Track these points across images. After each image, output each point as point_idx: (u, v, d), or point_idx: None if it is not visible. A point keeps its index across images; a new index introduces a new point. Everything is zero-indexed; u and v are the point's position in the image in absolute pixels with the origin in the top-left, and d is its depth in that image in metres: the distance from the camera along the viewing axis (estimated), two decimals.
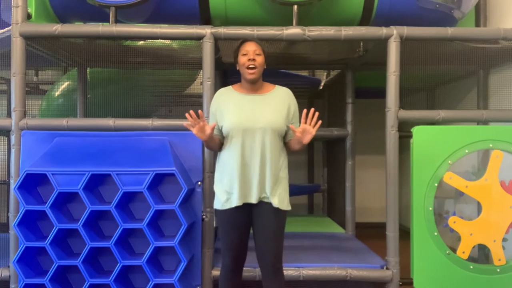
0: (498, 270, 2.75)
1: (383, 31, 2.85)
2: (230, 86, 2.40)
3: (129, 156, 2.67)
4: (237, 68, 2.34)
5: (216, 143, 2.32)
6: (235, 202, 2.24)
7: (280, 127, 2.27)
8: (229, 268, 2.35)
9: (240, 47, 2.31)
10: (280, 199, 2.25)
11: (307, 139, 2.16)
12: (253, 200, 2.23)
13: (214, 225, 2.93)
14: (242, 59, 2.27)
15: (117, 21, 2.90)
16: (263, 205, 2.24)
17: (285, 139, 2.35)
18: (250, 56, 2.25)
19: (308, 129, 2.14)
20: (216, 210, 2.33)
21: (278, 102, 2.31)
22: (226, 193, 2.27)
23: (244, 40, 2.33)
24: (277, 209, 2.24)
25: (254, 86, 2.32)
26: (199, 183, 2.80)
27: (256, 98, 2.32)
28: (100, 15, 3.02)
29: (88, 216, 2.52)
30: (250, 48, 2.27)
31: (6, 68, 3.09)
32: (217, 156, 2.39)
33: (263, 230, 2.26)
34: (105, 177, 2.65)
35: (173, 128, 2.83)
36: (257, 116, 2.25)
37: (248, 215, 2.28)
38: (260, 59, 2.27)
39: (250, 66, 2.24)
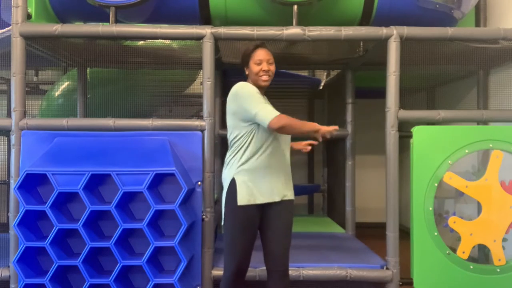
0: (498, 270, 2.75)
1: (383, 31, 2.85)
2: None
3: (129, 156, 2.67)
4: (247, 73, 2.37)
5: None
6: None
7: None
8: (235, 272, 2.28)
9: (253, 54, 2.31)
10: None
11: None
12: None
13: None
14: (256, 68, 2.30)
15: (117, 21, 2.90)
16: None
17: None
18: (265, 67, 2.29)
19: None
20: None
21: None
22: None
23: (257, 46, 2.34)
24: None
25: (262, 91, 2.36)
26: (199, 183, 2.80)
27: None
28: (100, 15, 3.02)
29: (88, 216, 2.52)
30: (264, 57, 2.30)
31: (6, 68, 3.09)
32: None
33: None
34: (105, 177, 2.64)
35: (173, 128, 2.83)
36: None
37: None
38: (273, 68, 2.33)
39: (265, 75, 2.29)
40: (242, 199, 2.21)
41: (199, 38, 2.84)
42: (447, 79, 4.26)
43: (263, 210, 2.26)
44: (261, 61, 2.28)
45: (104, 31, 2.81)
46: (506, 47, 2.99)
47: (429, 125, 2.85)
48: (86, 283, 2.53)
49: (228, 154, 2.33)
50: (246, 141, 2.25)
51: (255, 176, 2.23)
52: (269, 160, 2.25)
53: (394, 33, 2.84)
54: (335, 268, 2.84)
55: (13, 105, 2.83)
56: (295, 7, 2.87)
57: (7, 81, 4.44)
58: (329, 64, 4.06)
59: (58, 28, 2.80)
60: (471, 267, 2.75)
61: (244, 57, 2.36)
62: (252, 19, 3.10)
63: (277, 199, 2.25)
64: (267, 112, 2.15)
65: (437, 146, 2.76)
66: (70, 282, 2.69)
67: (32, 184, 2.62)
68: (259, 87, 2.32)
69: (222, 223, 2.31)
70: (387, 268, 2.88)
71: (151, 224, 2.58)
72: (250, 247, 2.28)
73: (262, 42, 2.42)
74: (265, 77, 2.29)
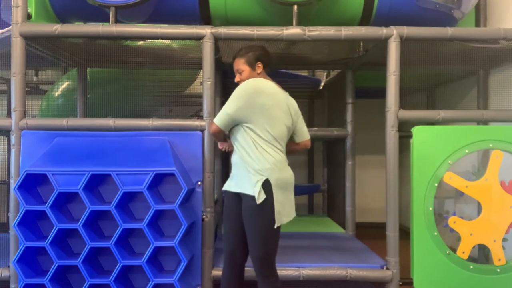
0: (498, 270, 2.76)
1: (383, 31, 2.85)
2: None
3: (129, 156, 2.67)
4: None
5: None
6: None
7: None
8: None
9: None
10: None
11: None
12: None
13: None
14: None
15: (117, 21, 2.90)
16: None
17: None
18: (236, 80, 2.35)
19: None
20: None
21: None
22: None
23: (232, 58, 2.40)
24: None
25: None
26: (199, 183, 2.80)
27: None
28: (100, 15, 3.02)
29: (88, 216, 2.52)
30: (234, 68, 2.36)
31: (6, 68, 3.09)
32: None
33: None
34: (105, 177, 2.65)
35: (173, 128, 2.82)
36: None
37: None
38: (244, 75, 2.33)
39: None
40: None
41: (199, 38, 2.84)
42: (447, 79, 4.26)
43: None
44: (236, 73, 2.37)
45: (104, 31, 2.81)
46: (506, 47, 2.99)
47: (429, 125, 2.85)
48: (86, 283, 2.53)
49: None
50: None
51: None
52: None
53: (394, 33, 2.84)
54: (335, 268, 2.84)
55: (13, 105, 2.83)
56: (295, 7, 2.87)
57: (7, 81, 4.44)
58: (329, 64, 4.05)
59: (58, 28, 2.80)
60: (471, 267, 2.75)
61: None
62: (252, 19, 3.10)
63: (225, 187, 2.36)
64: None
65: (437, 146, 2.76)
66: (70, 282, 2.69)
67: (32, 184, 2.62)
68: None
69: None
70: (387, 268, 2.88)
71: (151, 224, 2.58)
72: (235, 238, 2.31)
73: (237, 51, 2.42)
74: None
